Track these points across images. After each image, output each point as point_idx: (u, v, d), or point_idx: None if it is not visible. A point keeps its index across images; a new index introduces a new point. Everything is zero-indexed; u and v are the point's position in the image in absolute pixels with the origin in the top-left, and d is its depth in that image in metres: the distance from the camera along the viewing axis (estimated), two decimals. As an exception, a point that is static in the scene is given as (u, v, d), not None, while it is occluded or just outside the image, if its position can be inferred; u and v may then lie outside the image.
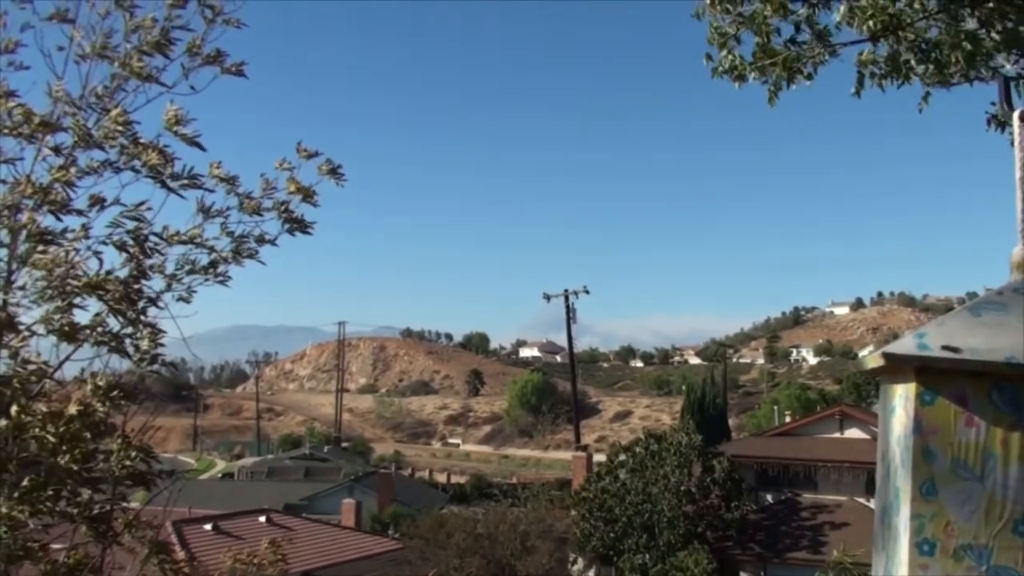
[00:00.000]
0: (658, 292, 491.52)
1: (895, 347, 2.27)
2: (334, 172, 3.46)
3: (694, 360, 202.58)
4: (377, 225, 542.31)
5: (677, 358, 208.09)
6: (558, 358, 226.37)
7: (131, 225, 3.31)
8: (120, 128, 3.31)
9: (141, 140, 3.34)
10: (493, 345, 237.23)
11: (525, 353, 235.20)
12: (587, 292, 42.75)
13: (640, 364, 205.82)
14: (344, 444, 77.94)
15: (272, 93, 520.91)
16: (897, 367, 2.28)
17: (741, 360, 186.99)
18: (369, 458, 75.00)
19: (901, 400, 2.29)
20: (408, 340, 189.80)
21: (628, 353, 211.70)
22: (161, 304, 3.37)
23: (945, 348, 2.19)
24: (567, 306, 42.41)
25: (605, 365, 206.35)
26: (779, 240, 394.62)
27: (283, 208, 3.50)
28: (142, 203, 3.32)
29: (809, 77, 4.65)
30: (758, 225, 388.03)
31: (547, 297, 43.11)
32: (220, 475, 63.33)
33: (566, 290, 43.06)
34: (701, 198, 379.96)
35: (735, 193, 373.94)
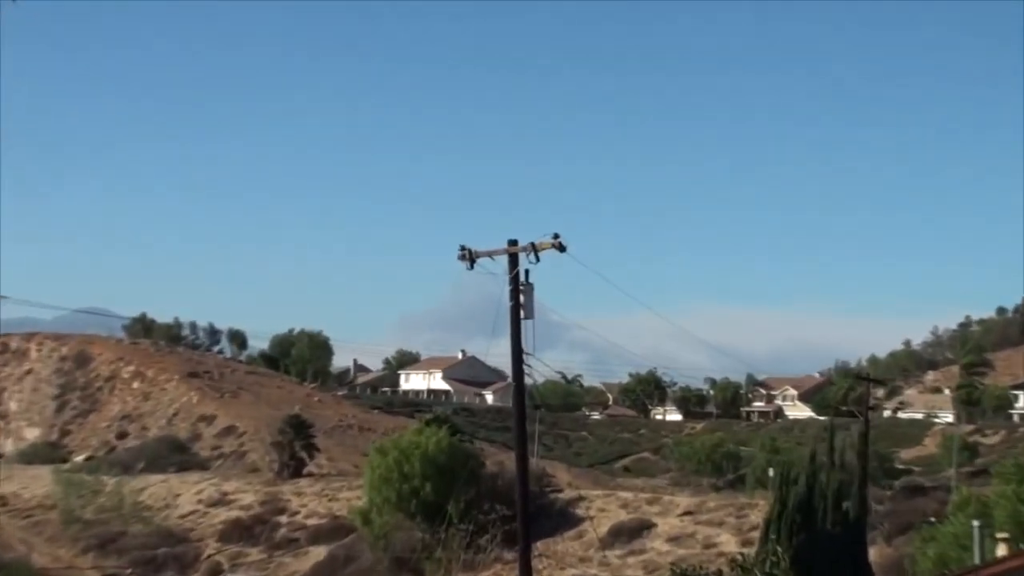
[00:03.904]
0: (716, 263, 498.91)
1: None
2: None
3: (795, 411, 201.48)
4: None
5: (758, 404, 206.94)
6: (488, 396, 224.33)
7: None
8: None
9: None
10: (341, 362, 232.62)
11: (413, 383, 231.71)
12: (560, 248, 41.97)
13: (675, 416, 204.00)
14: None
15: None
16: None
17: (902, 412, 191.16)
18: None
19: None
20: (142, 345, 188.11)
21: (646, 388, 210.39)
22: None
23: None
24: (514, 279, 42.32)
25: (596, 416, 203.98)
26: (991, 177, 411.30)
27: None
28: None
29: None
30: (936, 149, 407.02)
31: (468, 257, 42.75)
32: None
33: (512, 244, 42.73)
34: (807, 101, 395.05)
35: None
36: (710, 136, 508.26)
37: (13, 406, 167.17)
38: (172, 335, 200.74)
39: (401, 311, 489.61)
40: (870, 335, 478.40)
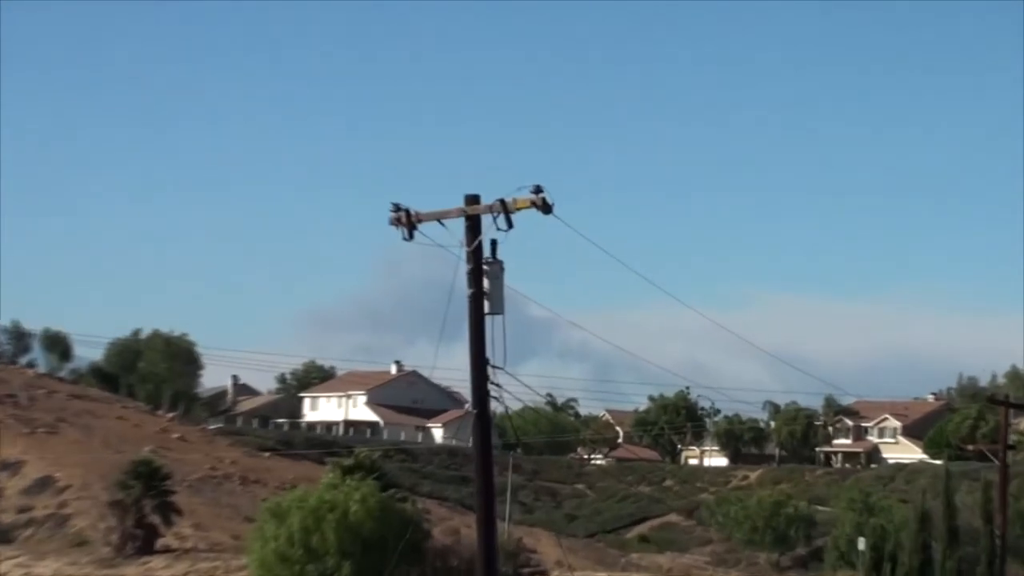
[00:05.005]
0: (778, 235, 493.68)
1: None
2: None
3: (898, 451, 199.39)
4: None
5: (842, 441, 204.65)
6: (436, 431, 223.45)
7: None
8: None
9: None
10: (213, 380, 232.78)
11: (324, 411, 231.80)
12: (545, 208, 38.32)
13: (718, 459, 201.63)
14: None
15: None
16: None
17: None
18: None
19: None
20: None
21: (673, 418, 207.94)
22: None
23: None
24: (475, 253, 38.35)
25: (599, 460, 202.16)
26: None
27: None
28: None
29: None
30: None
31: (406, 221, 38.62)
32: None
33: (472, 200, 39.38)
34: None
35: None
36: (765, 62, 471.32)
37: None
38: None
39: (304, 305, 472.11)
40: (1006, 339, 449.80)
